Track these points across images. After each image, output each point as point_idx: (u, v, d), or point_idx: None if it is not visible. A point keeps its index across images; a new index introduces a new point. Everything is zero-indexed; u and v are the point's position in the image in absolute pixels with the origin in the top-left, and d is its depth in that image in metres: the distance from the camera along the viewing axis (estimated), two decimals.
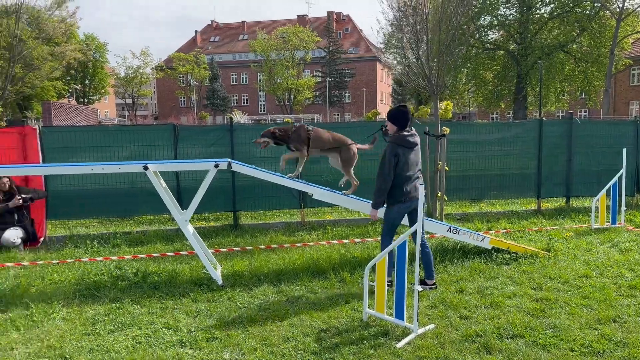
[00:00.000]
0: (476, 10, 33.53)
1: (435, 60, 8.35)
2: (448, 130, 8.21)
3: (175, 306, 5.06)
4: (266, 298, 5.25)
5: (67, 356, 4.01)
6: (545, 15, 36.18)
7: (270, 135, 6.01)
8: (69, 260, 6.70)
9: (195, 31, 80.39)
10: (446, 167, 8.22)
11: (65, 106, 31.42)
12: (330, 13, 71.69)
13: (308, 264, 6.22)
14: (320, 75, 66.29)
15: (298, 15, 75.53)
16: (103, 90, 61.43)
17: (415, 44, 8.53)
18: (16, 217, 7.51)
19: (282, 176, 6.07)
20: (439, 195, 8.24)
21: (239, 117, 45.77)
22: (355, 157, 6.11)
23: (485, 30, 37.64)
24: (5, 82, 6.54)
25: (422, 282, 5.42)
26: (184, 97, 72.97)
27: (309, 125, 6.10)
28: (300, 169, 6.23)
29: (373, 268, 4.57)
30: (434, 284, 5.46)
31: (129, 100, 66.65)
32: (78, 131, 8.75)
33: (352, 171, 6.13)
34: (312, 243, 7.45)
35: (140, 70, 63.03)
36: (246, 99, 75.29)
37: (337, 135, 6.13)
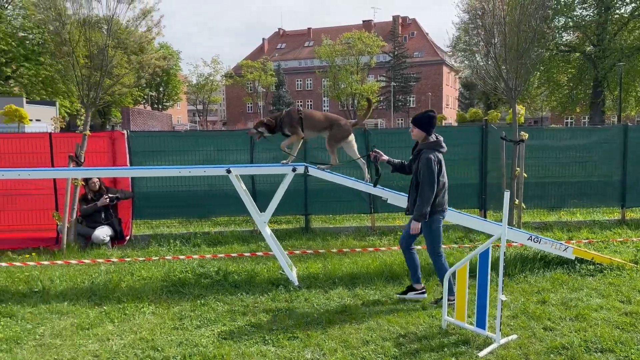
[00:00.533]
0: (550, 12, 32.18)
1: (513, 63, 8.13)
2: (526, 135, 7.96)
3: (255, 305, 5.23)
4: (342, 301, 5.32)
5: (159, 348, 4.25)
6: (625, 15, 34.15)
7: (262, 125, 5.98)
8: (153, 258, 7.08)
9: (263, 39, 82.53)
10: (524, 174, 7.97)
11: (142, 112, 33.23)
12: (395, 17, 71.23)
13: (382, 268, 6.23)
14: (384, 80, 66.01)
15: (363, 21, 75.74)
16: (176, 97, 64.33)
17: (492, 46, 8.35)
18: (104, 215, 8.01)
19: (357, 181, 6.13)
20: (517, 202, 8.00)
21: None
22: (346, 135, 5.92)
23: (560, 31, 36.05)
24: (98, 90, 7.01)
25: (409, 290, 5.35)
26: (251, 103, 74.90)
27: (300, 107, 6.08)
28: (295, 153, 6.11)
29: (453, 275, 4.54)
30: (423, 288, 5.35)
31: (199, 107, 69.30)
32: (161, 136, 9.25)
33: (335, 149, 5.94)
34: (383, 248, 7.45)
35: (211, 78, 65.42)
36: (310, 105, 76.22)
37: (330, 114, 6.09)
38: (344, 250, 7.38)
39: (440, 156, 5.01)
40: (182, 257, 7.13)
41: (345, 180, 6.06)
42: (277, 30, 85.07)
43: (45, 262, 6.89)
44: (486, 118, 9.15)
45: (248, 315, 4.93)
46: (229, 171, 5.89)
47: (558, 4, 33.76)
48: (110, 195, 7.99)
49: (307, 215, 8.96)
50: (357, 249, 7.38)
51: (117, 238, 8.07)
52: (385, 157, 5.53)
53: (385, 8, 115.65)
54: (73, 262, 6.91)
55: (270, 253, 6.95)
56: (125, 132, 8.42)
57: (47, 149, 8.03)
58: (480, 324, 4.28)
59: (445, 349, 4.14)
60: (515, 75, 8.06)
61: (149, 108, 57.89)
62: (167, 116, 38.75)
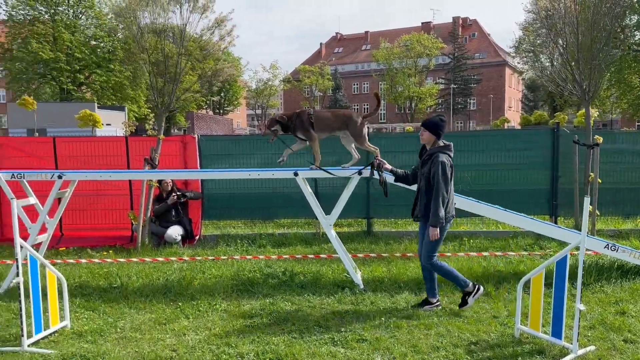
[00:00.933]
0: (625, 10, 30.51)
1: (586, 64, 7.81)
2: (601, 139, 7.63)
3: (322, 306, 5.30)
4: (408, 306, 5.29)
5: (233, 345, 4.39)
6: None
7: (276, 122, 5.92)
8: (222, 257, 7.32)
9: (320, 43, 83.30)
10: (598, 179, 7.63)
11: (205, 117, 34.33)
12: (456, 19, 69.95)
13: None
14: (443, 82, 64.88)
15: (422, 23, 74.79)
16: (236, 102, 65.99)
17: (564, 47, 8.06)
18: (175, 215, 8.33)
19: None
20: (591, 209, 7.66)
21: None
22: (364, 128, 5.86)
23: (632, 30, 34.11)
24: (171, 97, 7.39)
25: (426, 302, 5.24)
26: (308, 107, 75.51)
27: (311, 109, 6.04)
28: (320, 157, 6.05)
29: (527, 283, 4.43)
30: (438, 302, 5.25)
31: (258, 111, 70.75)
32: (228, 140, 9.56)
33: (367, 142, 5.88)
34: (449, 254, 7.34)
35: (270, 83, 66.67)
36: (367, 108, 76.02)
37: (339, 111, 6.05)
38: (408, 254, 7.33)
39: (451, 161, 4.98)
40: (249, 257, 7.33)
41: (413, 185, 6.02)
42: (334, 34, 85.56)
43: (122, 260, 7.27)
44: (558, 121, 8.81)
45: (316, 316, 5.00)
46: (296, 174, 6.00)
47: (631, 1, 31.98)
48: (177, 193, 8.27)
49: (369, 219, 8.97)
50: None
51: (188, 237, 8.39)
52: (389, 166, 5.56)
53: (445, 9, 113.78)
54: (147, 259, 7.25)
55: (334, 255, 7.04)
56: (196, 136, 8.76)
57: (123, 152, 8.48)
58: (556, 333, 4.15)
59: (519, 358, 4.04)
60: (589, 77, 7.74)
61: (210, 113, 59.68)
62: (228, 120, 39.83)
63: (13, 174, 5.96)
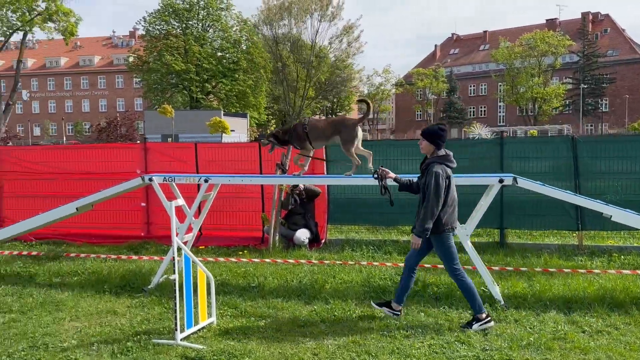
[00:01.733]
0: None
1: None
2: None
3: (461, 320, 5.07)
4: (557, 326, 4.87)
5: (372, 354, 4.33)
6: None
7: (272, 135, 6.27)
8: (349, 263, 7.33)
9: (435, 45, 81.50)
10: None
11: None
12: (585, 14, 64.66)
13: (601, 294, 5.58)
14: (571, 82, 60.23)
15: (547, 20, 70.23)
16: (348, 107, 66.74)
17: None
18: (302, 217, 8.46)
19: (572, 194, 5.63)
20: None
21: (479, 130, 44.56)
22: (356, 134, 5.88)
23: None
24: (302, 104, 7.65)
25: (386, 304, 5.15)
26: (420, 111, 74.21)
27: (306, 119, 6.05)
28: (306, 167, 6.39)
29: None
30: (399, 311, 5.11)
31: (369, 116, 71.06)
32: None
33: (353, 150, 5.89)
34: (597, 270, 6.68)
35: (382, 87, 66.55)
36: (484, 110, 72.99)
37: (332, 118, 5.79)
38: (550, 270, 6.79)
39: (449, 171, 4.88)
40: (375, 263, 7.27)
41: (559, 194, 5.59)
42: (450, 35, 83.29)
43: (256, 260, 7.57)
44: None
45: (456, 331, 4.79)
46: None
47: None
48: (292, 185, 8.29)
49: (502, 229, 8.47)
50: (566, 270, 6.73)
51: (314, 241, 8.53)
52: (393, 175, 5.37)
53: (572, 5, 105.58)
54: (279, 261, 7.48)
55: (465, 267, 6.70)
56: None
57: (256, 157, 8.85)
58: None
59: None
60: None
61: (323, 117, 60.97)
62: None
63: (165, 177, 6.46)
